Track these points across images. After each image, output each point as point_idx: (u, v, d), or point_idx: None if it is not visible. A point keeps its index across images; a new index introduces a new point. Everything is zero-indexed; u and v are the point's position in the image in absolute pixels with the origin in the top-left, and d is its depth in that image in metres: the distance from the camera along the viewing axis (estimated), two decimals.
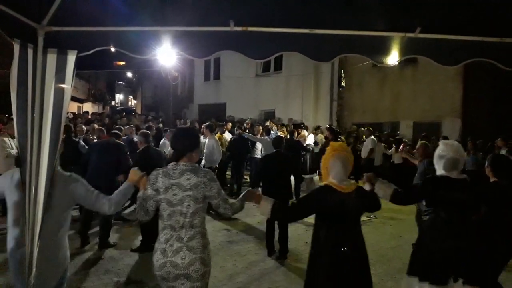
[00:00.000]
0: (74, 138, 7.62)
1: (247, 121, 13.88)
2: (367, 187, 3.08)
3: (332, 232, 2.77)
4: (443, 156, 3.13)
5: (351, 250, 2.76)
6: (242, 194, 2.93)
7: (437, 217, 3.21)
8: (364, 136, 12.42)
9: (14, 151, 6.38)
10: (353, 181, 2.85)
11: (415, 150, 6.84)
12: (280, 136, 7.09)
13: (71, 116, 14.18)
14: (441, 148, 3.19)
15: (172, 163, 2.65)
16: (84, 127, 9.56)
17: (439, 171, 3.19)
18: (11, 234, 2.65)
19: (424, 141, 6.82)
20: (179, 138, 2.75)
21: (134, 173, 2.76)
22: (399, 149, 7.59)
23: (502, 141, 9.41)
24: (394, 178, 10.40)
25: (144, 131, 6.54)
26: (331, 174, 2.83)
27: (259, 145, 10.40)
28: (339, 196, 2.74)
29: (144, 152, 5.84)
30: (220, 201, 2.66)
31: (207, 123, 9.69)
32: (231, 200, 2.77)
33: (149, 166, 3.12)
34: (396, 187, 3.15)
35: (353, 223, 2.85)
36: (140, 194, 2.67)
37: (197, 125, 13.16)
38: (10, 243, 2.65)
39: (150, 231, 4.72)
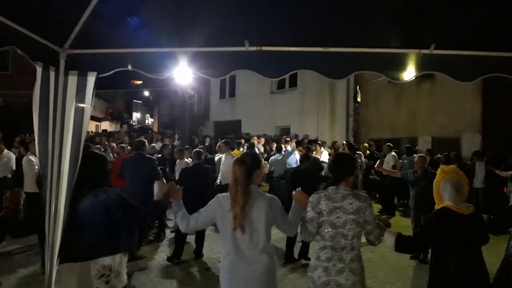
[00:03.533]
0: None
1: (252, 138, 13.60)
2: None
3: (453, 259, 2.62)
4: None
5: (474, 278, 2.60)
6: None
7: None
8: (367, 151, 12.37)
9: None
10: (470, 204, 2.74)
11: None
12: (307, 154, 7.15)
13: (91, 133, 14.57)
14: None
15: (332, 186, 2.75)
16: (114, 145, 9.90)
17: None
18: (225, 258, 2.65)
19: (422, 154, 6.78)
20: (340, 162, 2.85)
21: (300, 194, 2.85)
22: (375, 165, 7.57)
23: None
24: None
25: (198, 149, 6.77)
26: (444, 197, 2.78)
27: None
28: (458, 218, 2.63)
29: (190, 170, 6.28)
30: (373, 228, 2.69)
31: (224, 139, 9.64)
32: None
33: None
34: None
35: (475, 248, 2.69)
36: (303, 216, 2.80)
37: (207, 140, 13.18)
38: (224, 267, 2.66)
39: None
